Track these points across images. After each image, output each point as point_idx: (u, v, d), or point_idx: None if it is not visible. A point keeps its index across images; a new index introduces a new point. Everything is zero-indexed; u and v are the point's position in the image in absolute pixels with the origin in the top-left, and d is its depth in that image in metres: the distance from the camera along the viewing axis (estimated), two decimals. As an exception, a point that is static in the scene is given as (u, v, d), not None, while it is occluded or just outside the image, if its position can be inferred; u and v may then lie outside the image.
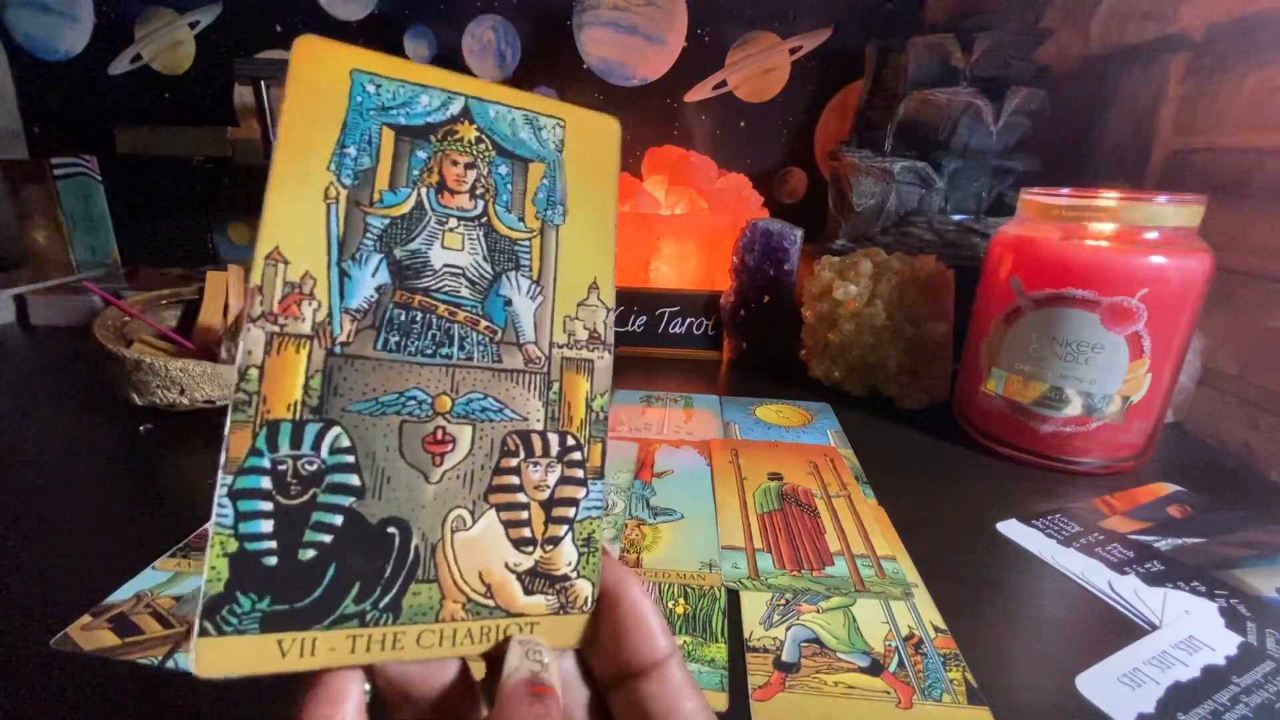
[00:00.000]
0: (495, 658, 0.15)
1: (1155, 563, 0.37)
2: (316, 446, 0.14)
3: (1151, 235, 0.43)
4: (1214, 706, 0.27)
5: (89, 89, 0.96)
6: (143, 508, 0.39)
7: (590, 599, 0.16)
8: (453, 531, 0.15)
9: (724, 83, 0.89)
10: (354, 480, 0.14)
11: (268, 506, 0.13)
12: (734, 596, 0.33)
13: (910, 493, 0.43)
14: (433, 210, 0.15)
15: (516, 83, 0.90)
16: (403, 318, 0.15)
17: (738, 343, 0.68)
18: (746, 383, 0.63)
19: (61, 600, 0.31)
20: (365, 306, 0.15)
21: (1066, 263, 0.44)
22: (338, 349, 0.14)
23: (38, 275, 0.82)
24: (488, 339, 0.16)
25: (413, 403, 0.15)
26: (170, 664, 0.27)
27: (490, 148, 0.16)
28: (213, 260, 0.90)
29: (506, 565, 0.15)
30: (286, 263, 0.14)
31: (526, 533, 0.16)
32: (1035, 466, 0.48)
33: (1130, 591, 0.34)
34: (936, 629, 0.31)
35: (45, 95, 0.97)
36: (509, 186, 0.16)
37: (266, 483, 0.13)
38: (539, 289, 0.16)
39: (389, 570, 0.14)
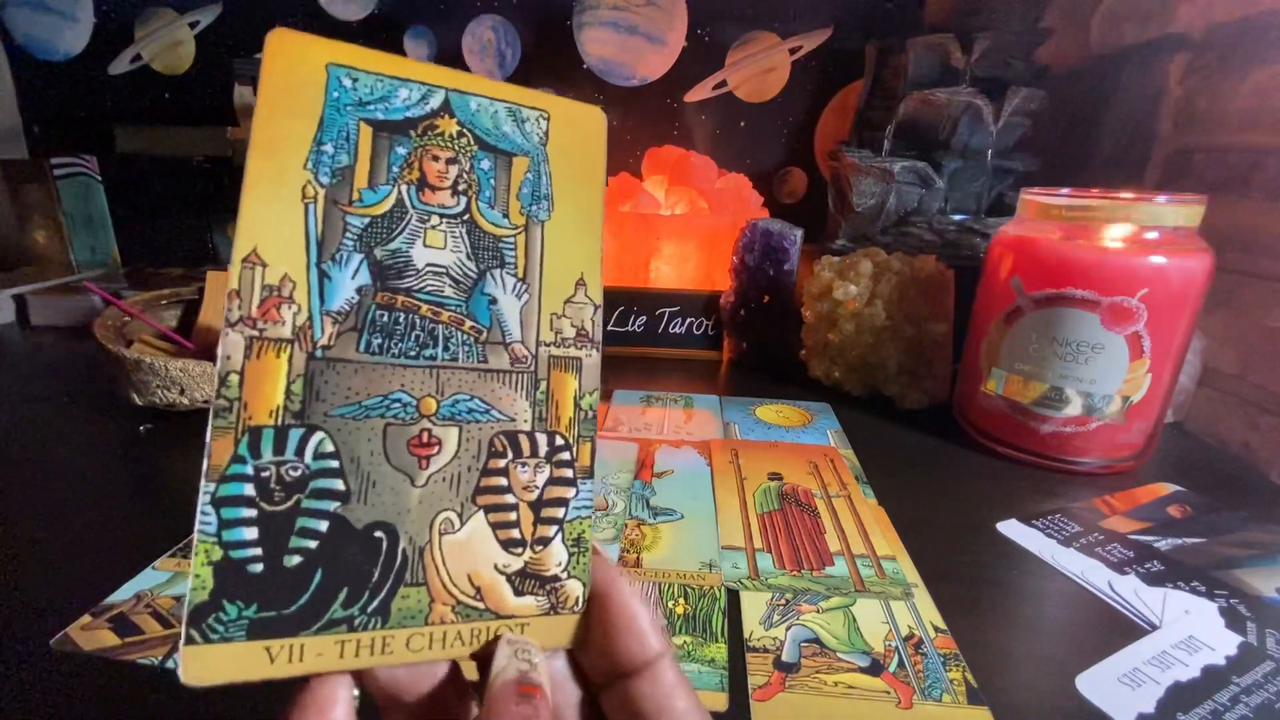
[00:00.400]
0: (486, 659, 0.15)
1: (1155, 563, 0.37)
2: (300, 452, 0.14)
3: (1151, 235, 0.43)
4: (1214, 706, 0.27)
5: (89, 89, 0.96)
6: (143, 508, 0.39)
7: (581, 599, 0.16)
8: (441, 534, 0.15)
9: (724, 83, 0.89)
10: (339, 485, 0.14)
11: (252, 513, 0.13)
12: (734, 596, 0.33)
13: (910, 493, 0.43)
14: (414, 208, 0.15)
15: (516, 82, 0.90)
16: (385, 319, 0.15)
17: (738, 343, 0.68)
18: (746, 383, 0.63)
19: (61, 600, 0.31)
20: (346, 308, 0.14)
21: (1066, 263, 0.44)
22: (319, 352, 0.14)
23: (38, 275, 0.82)
24: (473, 339, 0.15)
25: (397, 405, 0.15)
26: (170, 664, 0.27)
27: (472, 142, 0.15)
28: (213, 260, 0.90)
29: (496, 567, 0.15)
30: (264, 265, 0.13)
31: (515, 534, 0.16)
32: (1035, 466, 0.48)
33: (1130, 591, 0.34)
34: (936, 629, 0.31)
35: (45, 95, 0.97)
36: (492, 182, 0.16)
37: (250, 489, 0.13)
38: (525, 286, 0.16)
39: (376, 574, 0.14)
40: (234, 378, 0.13)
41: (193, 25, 0.92)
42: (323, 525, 0.14)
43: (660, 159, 0.82)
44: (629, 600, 0.16)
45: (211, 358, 0.50)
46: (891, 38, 0.72)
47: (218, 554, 0.13)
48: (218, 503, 0.13)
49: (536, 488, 0.16)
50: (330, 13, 0.89)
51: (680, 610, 0.32)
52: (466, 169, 0.15)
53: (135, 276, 0.85)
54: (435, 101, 0.15)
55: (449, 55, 0.90)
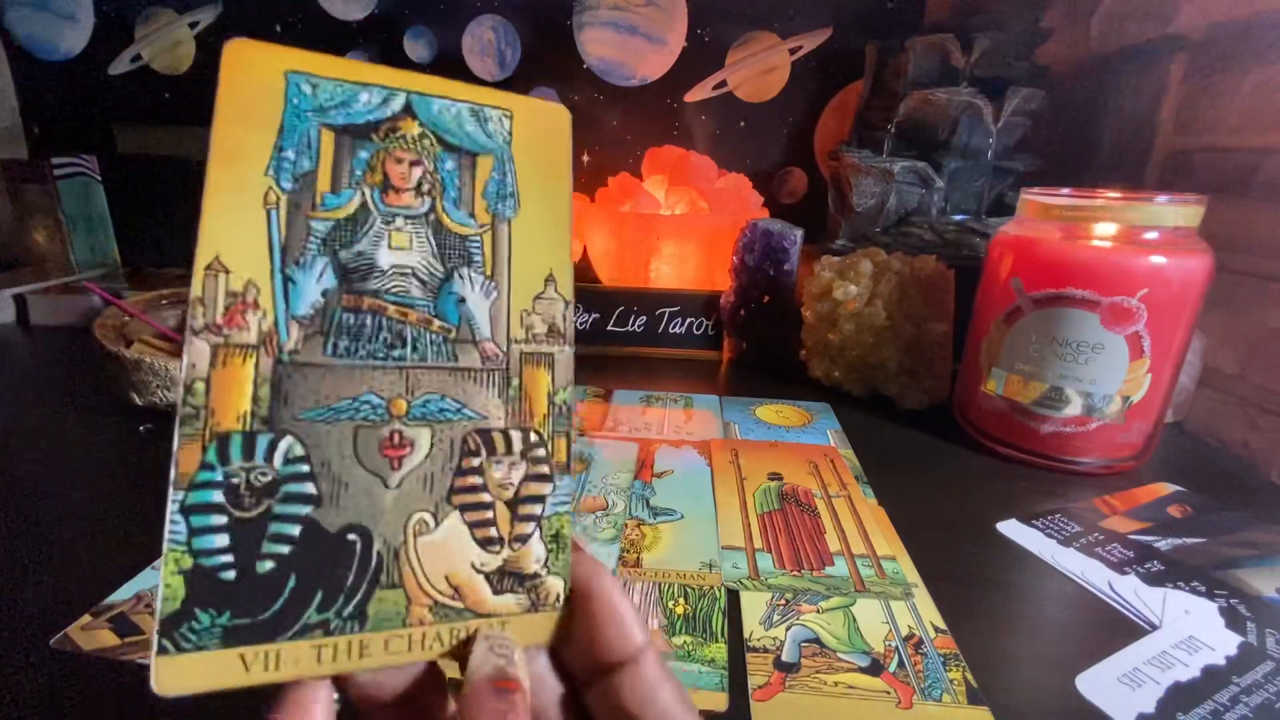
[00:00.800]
0: (467, 658, 0.15)
1: (1155, 563, 0.37)
2: (269, 457, 0.14)
3: (1151, 235, 0.43)
4: (1214, 706, 0.27)
5: (89, 89, 0.96)
6: (143, 508, 0.39)
7: (562, 595, 0.16)
8: (416, 535, 0.15)
9: (724, 83, 0.89)
10: (310, 489, 0.14)
11: (222, 520, 0.13)
12: (734, 596, 0.33)
13: (910, 493, 0.43)
14: (378, 210, 0.15)
15: (516, 83, 0.90)
16: (352, 321, 0.15)
17: (738, 343, 0.68)
18: (746, 383, 0.63)
19: (61, 600, 0.31)
20: (312, 312, 0.14)
21: (1066, 263, 0.44)
22: (285, 357, 0.14)
23: (38, 275, 0.82)
24: (442, 338, 0.15)
25: (366, 407, 0.15)
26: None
27: (435, 143, 0.15)
28: (213, 260, 0.90)
29: (473, 566, 0.15)
30: (228, 272, 0.13)
31: (492, 532, 0.15)
32: (1035, 466, 0.48)
33: (1130, 591, 0.34)
34: (936, 629, 0.31)
35: (45, 95, 0.97)
36: (456, 182, 0.16)
37: (219, 496, 0.13)
38: (493, 285, 0.16)
39: (351, 578, 0.14)
40: (200, 385, 0.13)
41: (193, 25, 0.92)
42: (295, 530, 0.14)
43: (660, 159, 0.82)
44: (611, 595, 0.16)
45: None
46: (891, 38, 0.72)
47: (188, 562, 0.13)
48: (187, 510, 0.13)
49: (512, 485, 0.16)
50: (330, 12, 0.89)
51: (680, 610, 0.32)
52: (430, 170, 0.15)
53: (135, 276, 0.85)
54: (396, 104, 0.15)
55: (449, 55, 0.90)
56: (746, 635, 0.30)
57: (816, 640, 0.30)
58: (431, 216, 0.15)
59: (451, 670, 0.16)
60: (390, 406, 0.15)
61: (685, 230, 0.74)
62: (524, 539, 0.16)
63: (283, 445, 0.14)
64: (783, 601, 0.33)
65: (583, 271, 0.86)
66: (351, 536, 0.14)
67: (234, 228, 0.14)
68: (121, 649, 0.28)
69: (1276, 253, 0.49)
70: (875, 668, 0.29)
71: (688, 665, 0.29)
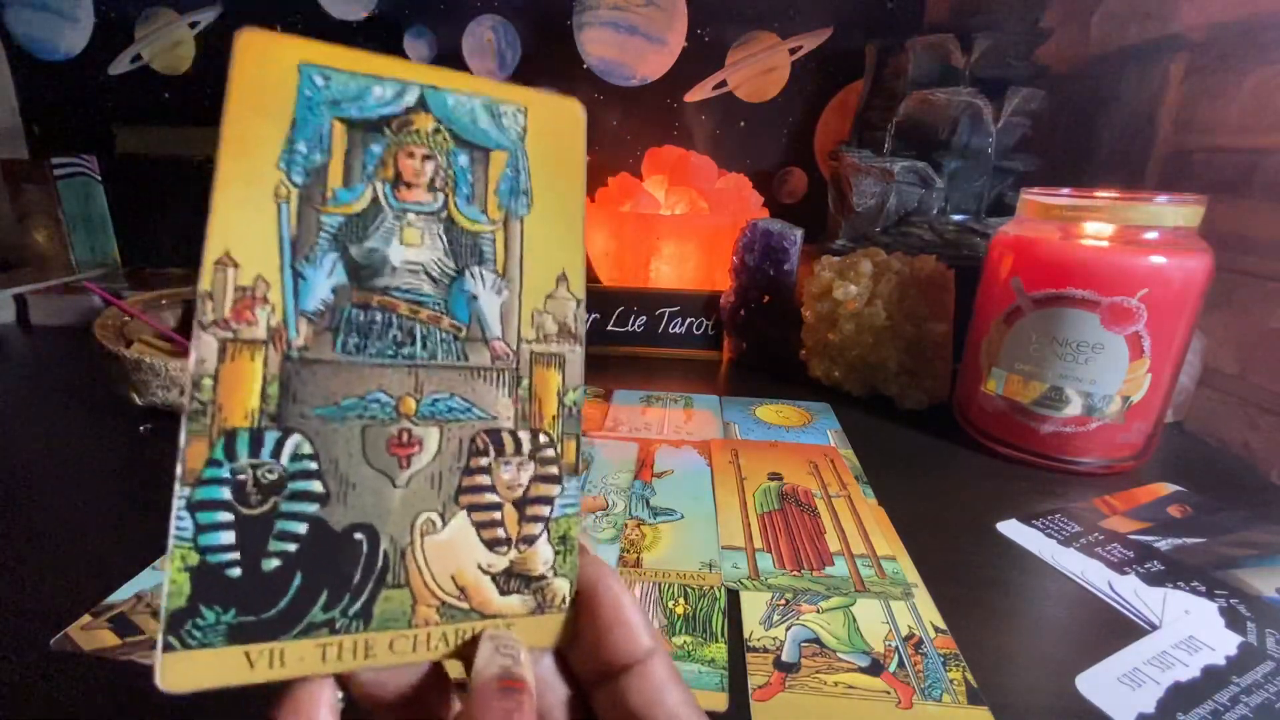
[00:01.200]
0: (472, 658, 0.15)
1: (1155, 563, 0.37)
2: (276, 454, 0.14)
3: (1151, 235, 0.43)
4: (1214, 706, 0.27)
5: (89, 89, 0.96)
6: (143, 508, 0.39)
7: (568, 597, 0.16)
8: (422, 535, 0.15)
9: (724, 83, 0.89)
10: (317, 487, 0.14)
11: (228, 517, 0.13)
12: (734, 596, 0.33)
13: (910, 493, 0.44)
14: (390, 206, 0.15)
15: (516, 82, 0.90)
16: (362, 318, 0.14)
17: (738, 343, 0.68)
18: (746, 383, 0.63)
19: (61, 600, 0.31)
20: (322, 308, 0.14)
21: (1066, 263, 0.44)
22: (294, 353, 0.14)
23: (38, 275, 0.82)
24: (452, 336, 0.15)
25: (375, 405, 0.14)
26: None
27: (448, 138, 0.15)
28: (213, 260, 0.90)
29: (480, 567, 0.15)
30: (237, 266, 0.13)
31: (500, 533, 0.15)
32: (1035, 466, 0.48)
33: (1130, 591, 0.34)
34: (936, 629, 0.31)
35: (45, 95, 0.97)
36: (469, 178, 0.15)
37: (226, 493, 0.13)
38: (504, 283, 0.16)
39: (357, 577, 0.14)
40: (207, 381, 0.13)
41: (193, 25, 0.92)
42: (301, 528, 0.14)
43: (660, 159, 0.82)
44: (618, 597, 0.16)
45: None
46: (891, 38, 0.72)
47: (194, 559, 0.13)
48: (193, 507, 0.13)
49: (520, 486, 0.16)
50: (330, 12, 0.89)
51: (680, 610, 0.32)
52: (443, 165, 0.15)
53: (135, 276, 0.85)
54: (410, 98, 0.15)
55: (449, 55, 0.90)
56: (746, 635, 0.30)
57: (816, 640, 0.30)
58: (444, 213, 0.15)
59: (456, 670, 0.16)
60: (399, 405, 0.15)
61: (685, 230, 0.74)
62: (531, 540, 0.16)
63: (290, 442, 0.14)
64: (783, 601, 0.33)
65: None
66: (358, 535, 0.14)
67: (244, 221, 0.13)
68: (121, 649, 0.28)
69: (1276, 253, 0.49)
70: (875, 668, 0.29)
71: (688, 665, 0.29)
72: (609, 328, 0.69)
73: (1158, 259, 0.42)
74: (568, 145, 0.16)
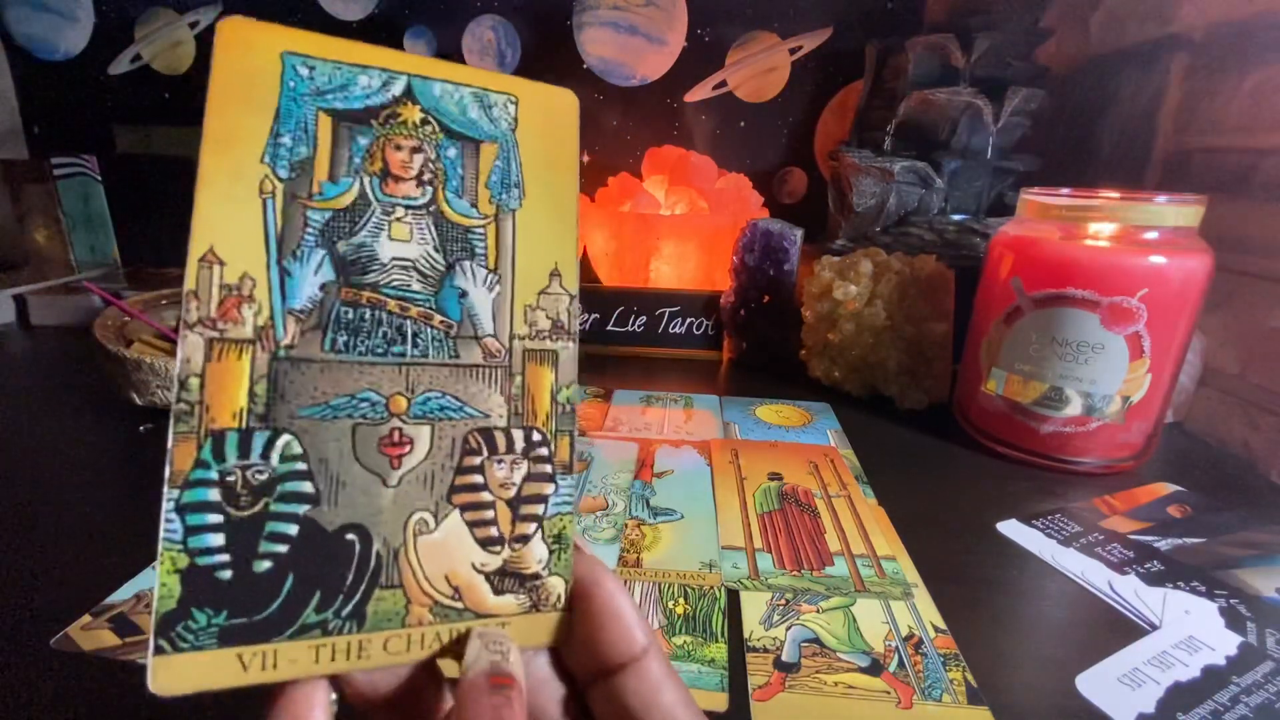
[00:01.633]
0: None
1: (1155, 563, 0.37)
2: (266, 455, 0.13)
3: (1151, 235, 0.43)
4: (1214, 706, 0.27)
5: (89, 89, 0.96)
6: (143, 508, 0.39)
7: (563, 596, 0.16)
8: (415, 535, 0.14)
9: (724, 83, 0.89)
10: (307, 488, 0.14)
11: (218, 519, 0.13)
12: (734, 596, 0.33)
13: (910, 493, 0.43)
14: (377, 200, 0.14)
15: (516, 83, 0.90)
16: (350, 316, 0.14)
17: (738, 343, 0.68)
18: (746, 383, 0.63)
19: (61, 600, 0.31)
20: (309, 306, 0.14)
21: (1066, 263, 0.44)
22: (282, 352, 0.14)
23: (38, 275, 0.82)
24: (443, 334, 0.15)
25: (365, 404, 0.14)
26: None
27: (437, 129, 0.15)
28: (213, 260, 0.90)
29: (474, 566, 0.15)
30: (222, 264, 0.13)
31: (493, 532, 0.15)
32: (1035, 466, 0.48)
33: (1130, 591, 0.34)
34: (936, 629, 0.31)
35: (45, 95, 0.97)
36: (459, 170, 0.15)
37: (215, 495, 0.13)
38: (496, 278, 0.15)
39: (350, 578, 0.14)
40: (194, 381, 0.13)
41: (193, 25, 0.92)
42: (292, 529, 0.13)
43: (660, 159, 0.82)
44: (613, 596, 0.16)
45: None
46: (891, 38, 0.72)
47: (184, 561, 0.13)
48: (182, 509, 0.13)
49: (514, 485, 0.15)
50: (330, 12, 0.89)
51: (680, 610, 0.32)
52: (432, 158, 0.15)
53: (135, 276, 0.85)
54: (397, 88, 0.14)
55: (449, 55, 0.90)
56: (746, 635, 0.30)
57: (816, 640, 0.30)
58: (433, 207, 0.15)
59: (452, 670, 0.16)
60: (390, 404, 0.15)
61: (685, 230, 0.74)
62: (525, 539, 0.15)
63: (280, 443, 0.13)
64: (783, 601, 0.33)
65: (583, 271, 0.86)
66: (350, 536, 0.14)
67: (229, 218, 0.13)
68: (121, 649, 0.28)
69: (1276, 253, 0.49)
70: (875, 668, 0.29)
71: (688, 665, 0.29)
72: (609, 328, 0.69)
73: (1158, 259, 0.42)
74: (560, 136, 0.16)
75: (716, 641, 0.30)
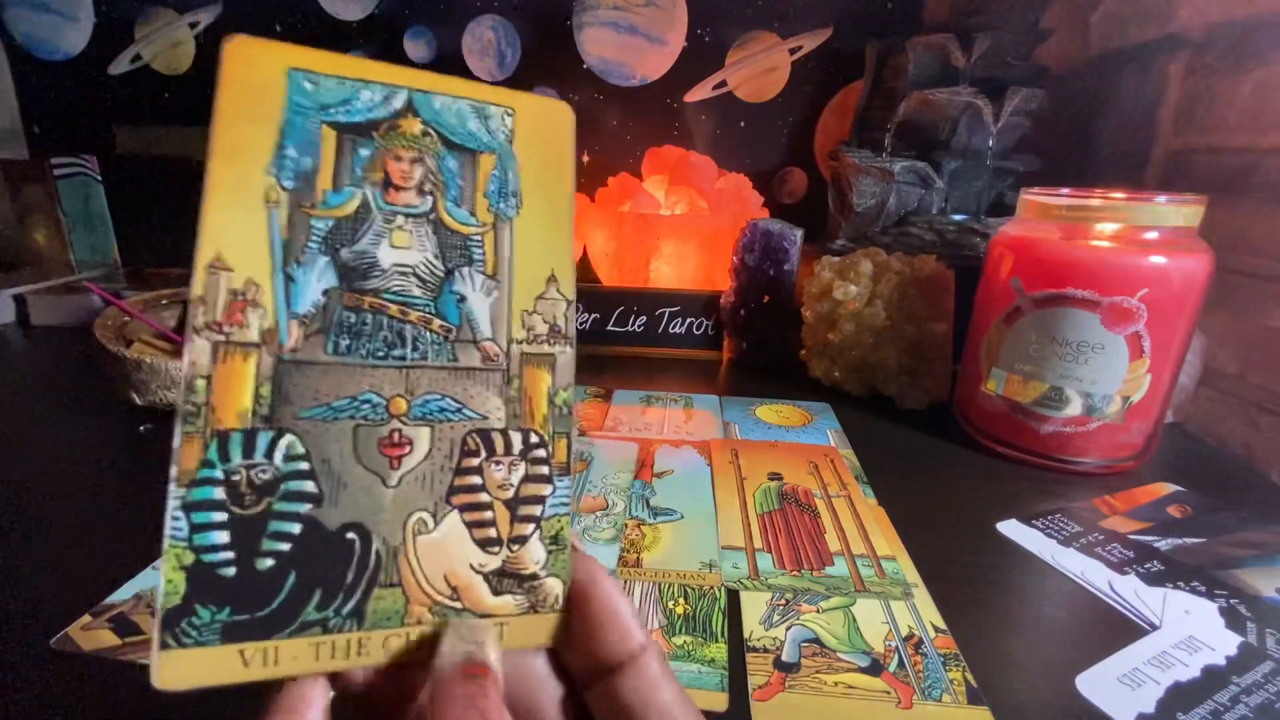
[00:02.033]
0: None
1: (1155, 563, 0.37)
2: (269, 455, 0.14)
3: (1151, 235, 0.43)
4: (1214, 706, 0.27)
5: (89, 89, 0.96)
6: (143, 508, 0.39)
7: (561, 597, 0.16)
8: (415, 535, 0.15)
9: (724, 83, 0.89)
10: (310, 487, 0.14)
11: (222, 517, 0.13)
12: (734, 596, 0.33)
13: (910, 493, 0.43)
14: (379, 209, 0.15)
15: (517, 83, 0.90)
16: (352, 320, 0.15)
17: (738, 343, 0.68)
18: (746, 383, 0.63)
19: (61, 600, 0.31)
20: (313, 310, 0.14)
21: (1066, 263, 0.44)
22: (286, 355, 0.14)
23: (38, 275, 0.82)
24: (442, 338, 0.15)
25: (366, 406, 0.15)
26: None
27: (437, 141, 0.15)
28: (213, 260, 0.90)
29: (472, 566, 0.15)
30: (229, 271, 0.13)
31: (492, 533, 0.15)
32: (1035, 466, 0.48)
33: (1130, 591, 0.34)
34: (936, 629, 0.31)
35: (45, 95, 0.97)
36: (458, 180, 0.16)
37: (220, 493, 0.13)
38: (494, 284, 0.16)
39: (350, 576, 0.14)
40: (201, 383, 0.13)
41: (193, 25, 0.92)
42: (295, 528, 0.14)
43: (660, 159, 0.82)
44: (610, 595, 0.16)
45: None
46: (891, 38, 0.72)
47: (189, 558, 0.13)
48: (188, 507, 0.13)
49: (511, 486, 0.16)
50: (330, 12, 0.89)
51: (680, 610, 0.32)
52: (432, 168, 0.15)
53: (135, 276, 0.85)
54: (398, 102, 0.15)
55: (449, 55, 0.90)
56: (746, 635, 0.30)
57: (816, 640, 0.30)
58: (433, 215, 0.15)
59: None
60: (390, 405, 0.15)
61: (685, 230, 0.74)
62: (523, 540, 0.16)
63: (283, 443, 0.14)
64: (783, 601, 0.33)
65: (583, 271, 0.86)
66: (350, 535, 0.14)
67: (235, 225, 0.14)
68: (121, 649, 0.28)
69: (1276, 253, 0.49)
70: (875, 668, 0.29)
71: (688, 665, 0.29)
72: (609, 328, 0.69)
73: (1158, 259, 0.42)
74: (556, 147, 0.17)
75: (716, 642, 0.30)
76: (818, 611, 0.32)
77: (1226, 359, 0.53)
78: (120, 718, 0.25)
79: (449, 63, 0.90)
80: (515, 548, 0.16)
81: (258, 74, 0.14)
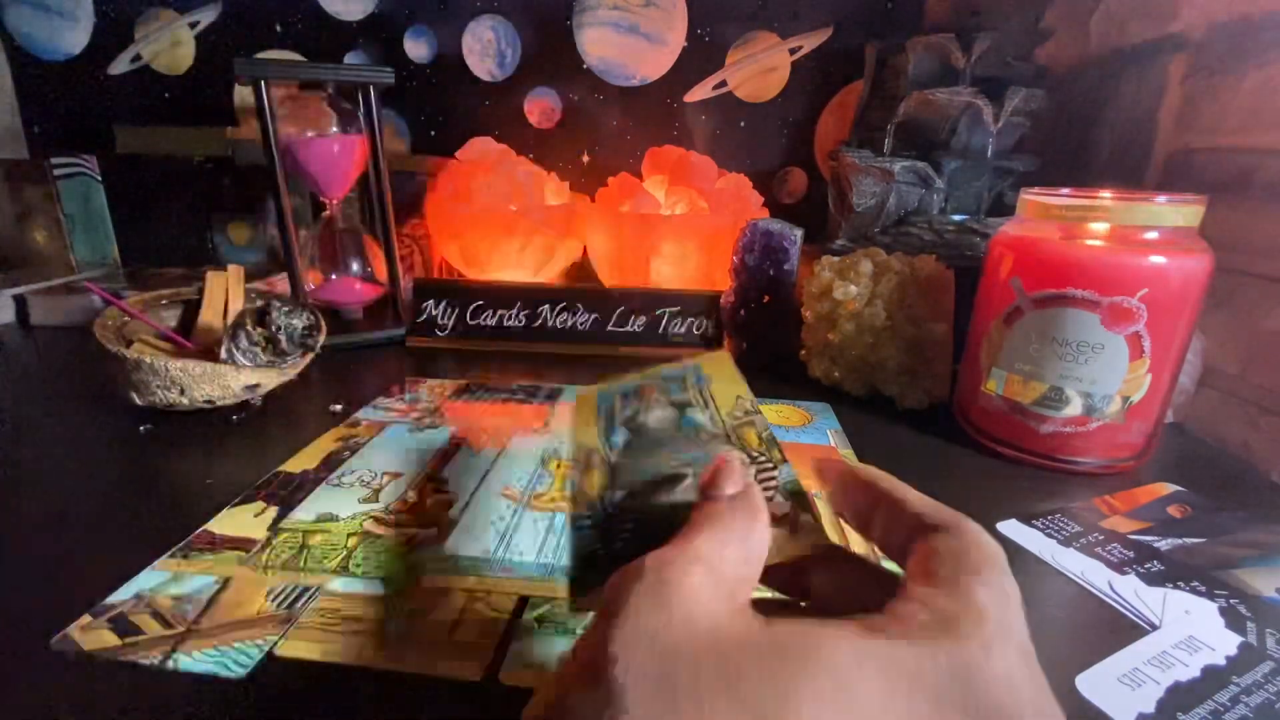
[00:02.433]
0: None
1: (1155, 563, 0.37)
2: (615, 504, 0.25)
3: (1151, 235, 0.43)
4: (1214, 706, 0.27)
5: (89, 89, 0.96)
6: (143, 508, 0.39)
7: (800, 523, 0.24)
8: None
9: (724, 83, 0.89)
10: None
11: (595, 534, 0.24)
12: (734, 596, 0.33)
13: (910, 493, 0.43)
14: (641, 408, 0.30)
15: (517, 83, 0.90)
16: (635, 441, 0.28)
17: (738, 343, 0.68)
18: (746, 383, 0.63)
19: (61, 600, 0.31)
20: (619, 444, 0.28)
21: (1066, 263, 0.44)
22: (612, 459, 0.27)
23: (38, 275, 0.82)
24: (694, 433, 0.28)
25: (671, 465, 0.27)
26: (170, 664, 0.27)
27: (665, 381, 0.31)
28: (213, 260, 0.90)
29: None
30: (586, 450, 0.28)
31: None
32: (1035, 466, 0.48)
33: (1130, 591, 0.34)
34: (936, 629, 0.31)
35: (45, 95, 0.97)
36: (680, 389, 0.30)
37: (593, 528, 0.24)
38: (706, 409, 0.29)
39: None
40: (570, 483, 0.27)
41: (193, 25, 0.92)
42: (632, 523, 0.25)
43: (660, 159, 0.82)
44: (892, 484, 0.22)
45: (211, 358, 0.50)
46: (891, 38, 0.72)
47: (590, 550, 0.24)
48: (573, 524, 0.25)
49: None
50: (330, 12, 0.89)
51: (680, 610, 0.32)
52: (666, 396, 0.30)
53: (135, 276, 0.85)
54: (646, 381, 0.31)
55: (449, 55, 0.90)
56: (746, 635, 0.30)
57: (816, 640, 0.30)
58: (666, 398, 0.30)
59: None
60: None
61: (685, 230, 0.74)
62: (771, 498, 0.24)
63: (615, 496, 0.25)
64: (783, 601, 0.33)
65: (583, 271, 0.86)
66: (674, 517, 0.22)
67: (588, 442, 0.28)
68: (121, 649, 0.28)
69: (1276, 253, 0.49)
70: (875, 668, 0.29)
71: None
72: (609, 328, 0.69)
73: (1158, 259, 0.42)
74: (720, 362, 0.32)
75: (716, 641, 0.30)
76: (818, 611, 0.32)
77: (1226, 359, 0.53)
78: (120, 718, 0.25)
79: (449, 62, 0.90)
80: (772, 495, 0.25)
81: (589, 401, 0.31)
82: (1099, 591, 0.34)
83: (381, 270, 0.74)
